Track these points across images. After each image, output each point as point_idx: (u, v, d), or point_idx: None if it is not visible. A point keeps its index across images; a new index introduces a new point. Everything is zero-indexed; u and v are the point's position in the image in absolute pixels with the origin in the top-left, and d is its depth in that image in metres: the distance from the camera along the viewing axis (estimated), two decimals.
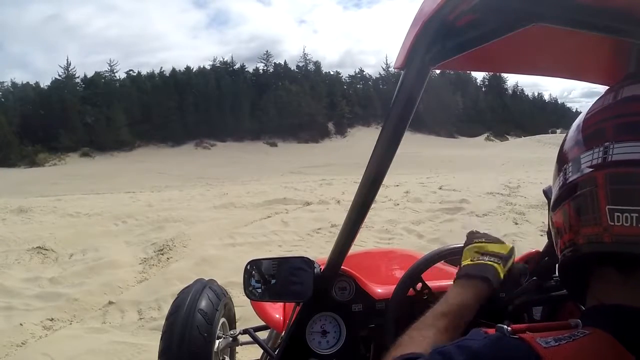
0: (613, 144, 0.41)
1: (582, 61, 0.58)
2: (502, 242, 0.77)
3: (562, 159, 0.48)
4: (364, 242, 4.51)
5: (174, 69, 53.49)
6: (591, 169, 0.42)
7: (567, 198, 0.45)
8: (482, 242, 0.76)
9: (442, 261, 0.95)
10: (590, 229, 0.42)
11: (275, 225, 5.84)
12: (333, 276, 0.93)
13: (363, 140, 39.74)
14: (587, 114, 0.47)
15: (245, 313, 2.00)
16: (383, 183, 0.64)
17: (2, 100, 44.69)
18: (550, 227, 0.51)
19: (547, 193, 0.57)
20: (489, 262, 0.71)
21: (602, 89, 0.49)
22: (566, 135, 0.50)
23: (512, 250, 0.76)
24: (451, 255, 0.95)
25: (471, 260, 0.73)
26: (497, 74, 49.25)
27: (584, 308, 0.48)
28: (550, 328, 0.41)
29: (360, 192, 0.67)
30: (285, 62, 60.23)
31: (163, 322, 1.32)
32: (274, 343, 1.36)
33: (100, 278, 3.81)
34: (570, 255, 0.45)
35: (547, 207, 0.53)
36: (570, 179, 0.45)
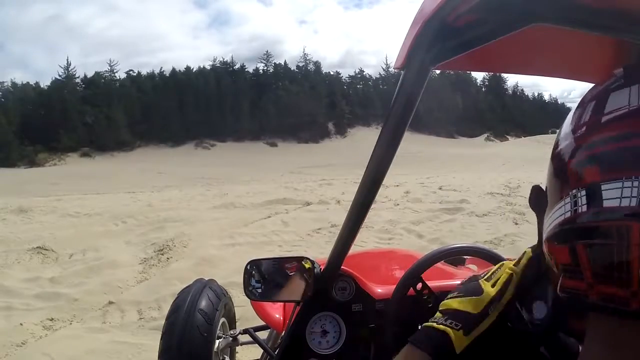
0: None
1: (582, 61, 0.58)
2: (478, 294, 0.52)
3: (565, 174, 0.36)
4: (364, 242, 4.51)
5: (174, 69, 53.61)
6: (622, 216, 0.31)
7: (579, 239, 0.33)
8: (453, 297, 0.55)
9: (442, 261, 0.95)
10: (611, 289, 0.32)
11: (275, 225, 5.84)
12: (333, 276, 0.93)
13: (363, 140, 39.78)
14: (601, 110, 0.35)
15: (245, 313, 2.00)
16: (383, 183, 0.64)
17: (2, 100, 44.72)
18: (545, 247, 0.39)
19: (537, 194, 0.44)
20: (442, 327, 0.50)
21: None
22: (563, 130, 0.39)
23: (489, 304, 0.51)
24: (451, 255, 0.95)
25: (429, 322, 0.54)
26: (497, 74, 49.29)
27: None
28: None
29: (360, 192, 0.67)
30: (285, 62, 60.34)
31: (163, 322, 1.33)
32: (274, 343, 1.37)
33: (100, 278, 3.81)
34: (573, 302, 0.36)
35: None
36: (587, 218, 0.33)
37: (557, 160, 0.38)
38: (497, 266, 0.56)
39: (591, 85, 0.45)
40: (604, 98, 0.36)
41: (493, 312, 0.50)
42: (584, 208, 0.33)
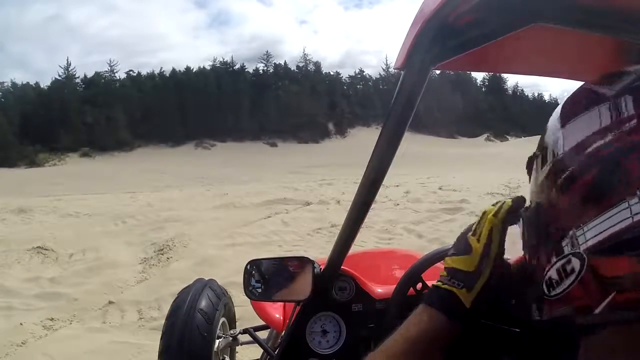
0: None
1: (582, 61, 0.58)
2: (468, 252, 0.55)
3: (614, 176, 0.33)
4: (364, 242, 4.52)
5: (174, 69, 53.60)
6: None
7: None
8: (450, 255, 0.58)
9: (442, 261, 0.95)
10: None
11: (275, 225, 5.85)
12: (333, 276, 0.93)
13: (363, 140, 39.73)
14: None
15: (246, 313, 2.00)
16: (383, 183, 0.64)
17: (2, 100, 44.73)
18: (580, 264, 0.35)
19: (545, 217, 0.39)
20: (447, 287, 0.54)
21: None
22: (579, 134, 0.37)
23: (480, 261, 0.53)
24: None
25: (437, 281, 0.57)
26: (497, 74, 49.30)
27: None
28: None
29: (360, 192, 0.67)
30: (285, 62, 60.27)
31: (163, 321, 1.33)
32: (274, 343, 1.37)
33: (100, 278, 3.81)
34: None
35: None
36: None
37: (587, 166, 0.34)
38: (479, 217, 0.58)
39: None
40: None
41: (486, 269, 0.53)
42: None
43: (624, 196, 0.32)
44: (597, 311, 0.34)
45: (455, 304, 0.53)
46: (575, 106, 0.40)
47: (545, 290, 0.38)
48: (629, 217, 0.31)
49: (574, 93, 0.43)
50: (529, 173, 0.46)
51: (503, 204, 0.55)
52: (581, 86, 0.44)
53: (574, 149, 0.37)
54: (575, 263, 0.35)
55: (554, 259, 0.37)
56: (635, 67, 0.39)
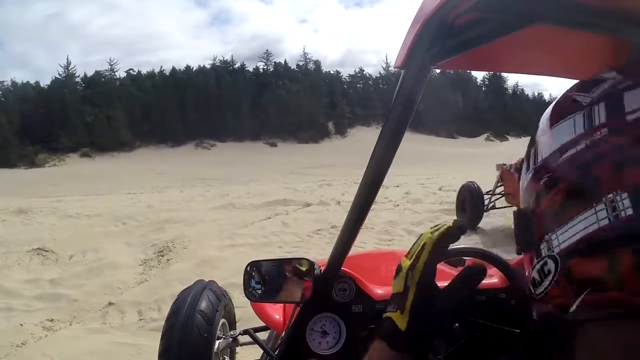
0: None
1: (582, 61, 0.58)
2: (398, 273, 0.53)
3: (584, 183, 0.34)
4: (364, 243, 4.52)
5: (174, 68, 53.61)
6: None
7: (626, 245, 0.32)
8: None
9: (442, 262, 0.95)
10: None
11: (275, 226, 5.85)
12: (333, 277, 0.93)
13: (363, 140, 39.74)
14: (619, 110, 0.34)
15: (246, 314, 2.00)
16: (383, 184, 0.64)
17: (2, 99, 44.74)
18: (554, 265, 0.36)
19: (527, 223, 0.40)
20: (388, 314, 0.52)
21: None
22: (555, 141, 0.37)
23: (406, 278, 0.51)
24: (451, 256, 0.95)
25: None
26: (497, 73, 49.35)
27: None
28: None
29: (360, 192, 0.66)
30: (285, 61, 60.29)
31: (163, 322, 1.33)
32: (274, 344, 1.36)
33: (100, 279, 3.81)
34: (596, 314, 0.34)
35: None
36: (635, 221, 0.31)
37: (562, 172, 0.36)
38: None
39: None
40: (616, 99, 0.35)
41: (411, 286, 0.51)
42: (629, 212, 0.31)
43: (592, 203, 0.33)
44: (571, 310, 0.35)
45: (392, 330, 0.50)
46: (560, 111, 0.40)
47: (532, 290, 0.39)
48: (595, 223, 0.33)
49: (561, 97, 0.43)
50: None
51: (446, 222, 0.54)
52: (566, 91, 0.43)
53: (554, 154, 0.37)
54: (551, 265, 0.36)
55: (535, 261, 0.38)
56: (611, 73, 0.38)
